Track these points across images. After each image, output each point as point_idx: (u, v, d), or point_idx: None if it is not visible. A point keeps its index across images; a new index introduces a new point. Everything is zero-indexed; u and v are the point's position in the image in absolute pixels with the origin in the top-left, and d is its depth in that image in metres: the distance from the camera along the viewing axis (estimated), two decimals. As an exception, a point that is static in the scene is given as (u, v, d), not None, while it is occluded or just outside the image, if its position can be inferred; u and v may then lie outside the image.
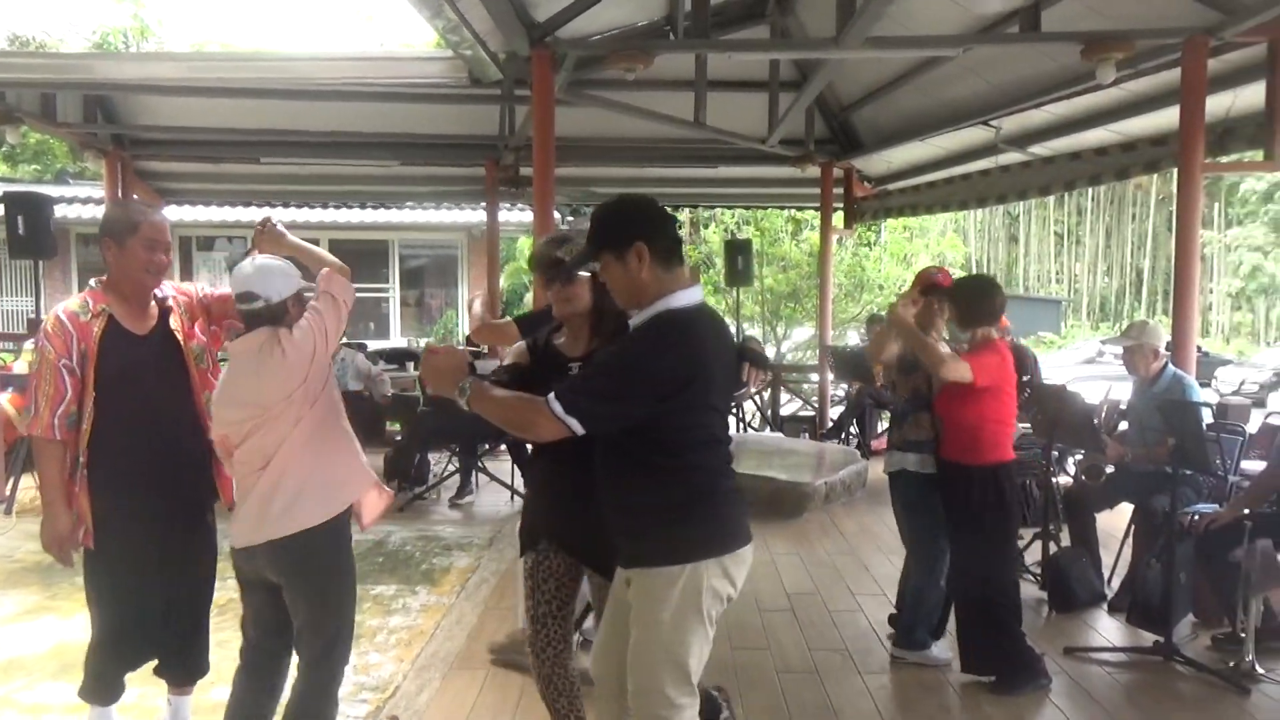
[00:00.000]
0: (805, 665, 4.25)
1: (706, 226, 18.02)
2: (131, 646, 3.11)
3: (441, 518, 7.01)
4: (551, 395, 2.28)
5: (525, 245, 18.17)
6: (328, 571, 2.87)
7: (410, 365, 10.78)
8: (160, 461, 2.99)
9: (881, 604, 5.07)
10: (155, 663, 3.25)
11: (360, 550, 6.02)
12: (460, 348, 2.55)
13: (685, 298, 2.39)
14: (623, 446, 2.41)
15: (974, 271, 30.46)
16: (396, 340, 15.90)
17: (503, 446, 7.96)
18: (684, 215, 18.11)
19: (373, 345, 11.98)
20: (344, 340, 8.43)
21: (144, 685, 3.40)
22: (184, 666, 3.26)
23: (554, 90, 6.22)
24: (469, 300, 3.87)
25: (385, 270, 16.38)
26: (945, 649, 4.26)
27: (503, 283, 18.39)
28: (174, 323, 3.11)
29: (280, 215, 14.12)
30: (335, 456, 2.97)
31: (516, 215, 14.38)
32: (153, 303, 3.08)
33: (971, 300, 4.07)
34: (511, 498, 7.47)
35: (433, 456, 8.05)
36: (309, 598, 2.85)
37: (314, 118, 8.84)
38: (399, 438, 7.95)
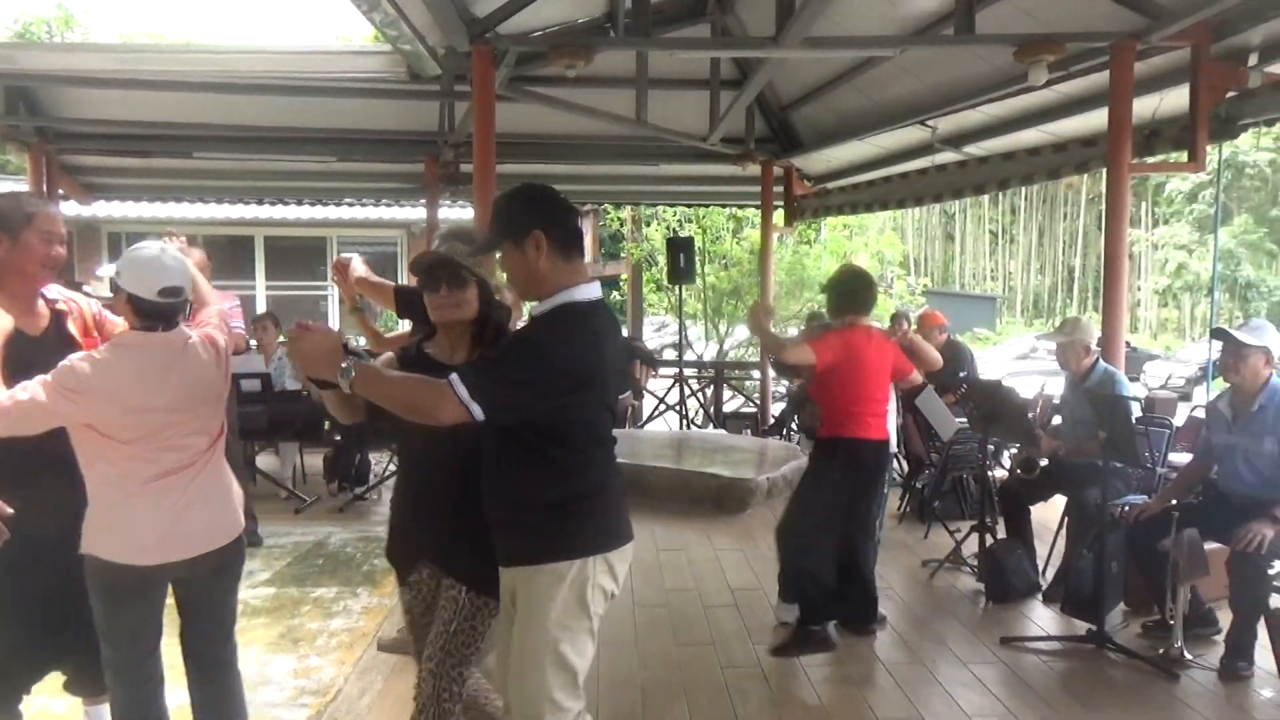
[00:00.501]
0: (749, 660, 4.28)
1: (649, 224, 18.02)
2: (22, 659, 2.94)
3: (383, 518, 6.86)
4: (454, 376, 2.18)
5: (466, 243, 17.94)
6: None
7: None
8: (50, 465, 2.72)
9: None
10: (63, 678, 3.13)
11: (300, 552, 5.94)
12: (335, 331, 2.36)
13: (586, 292, 2.37)
14: (520, 438, 2.34)
15: (910, 269, 30.98)
16: (335, 340, 15.61)
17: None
18: (626, 213, 18.10)
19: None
20: (281, 339, 8.28)
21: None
22: (90, 677, 3.02)
23: (494, 86, 6.16)
24: (343, 259, 3.72)
25: (323, 268, 16.10)
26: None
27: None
28: (72, 327, 2.95)
29: (213, 212, 13.80)
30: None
31: (457, 212, 14.23)
32: (40, 301, 2.91)
33: (843, 293, 4.44)
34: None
35: (374, 456, 7.95)
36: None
37: (248, 112, 8.65)
38: (339, 438, 7.83)
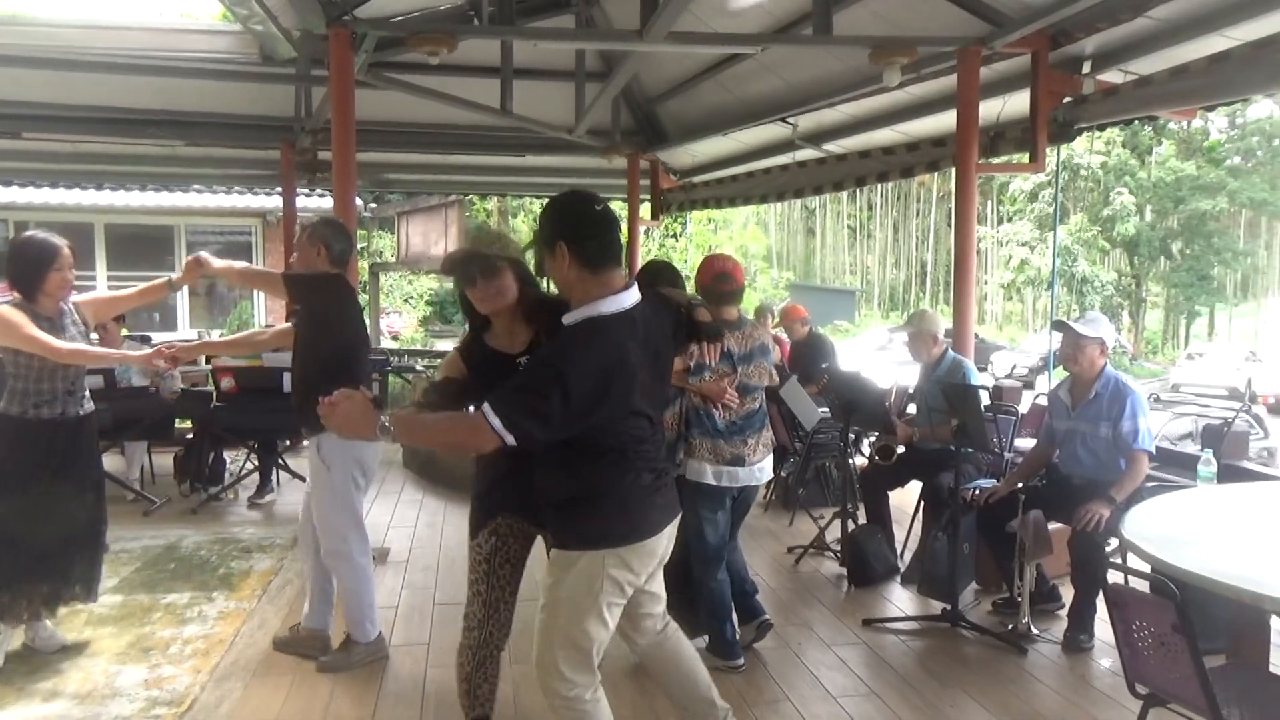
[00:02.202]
0: (621, 653, 4.27)
1: (515, 216, 17.87)
2: None
3: (239, 519, 6.62)
4: (486, 408, 2.28)
5: (325, 233, 17.42)
6: None
7: (201, 360, 10.12)
8: None
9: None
10: None
11: (149, 557, 5.63)
12: (357, 392, 2.41)
13: (613, 304, 2.43)
14: (555, 446, 2.47)
15: (773, 263, 31.72)
16: (185, 332, 14.91)
17: (306, 443, 7.60)
18: (492, 204, 17.89)
19: (159, 338, 11.15)
20: (125, 332, 7.82)
21: None
22: None
23: (353, 71, 5.97)
24: (200, 258, 3.95)
25: (171, 257, 15.30)
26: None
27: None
28: None
29: (46, 197, 12.96)
30: None
31: (315, 201, 13.77)
32: None
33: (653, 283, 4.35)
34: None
35: (229, 454, 7.60)
36: None
37: (85, 91, 8.11)
38: (190, 436, 7.46)
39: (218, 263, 4.02)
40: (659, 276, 4.41)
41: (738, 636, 4.15)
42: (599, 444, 2.48)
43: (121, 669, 4.03)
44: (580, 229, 2.44)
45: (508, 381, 2.40)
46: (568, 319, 2.48)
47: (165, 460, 7.73)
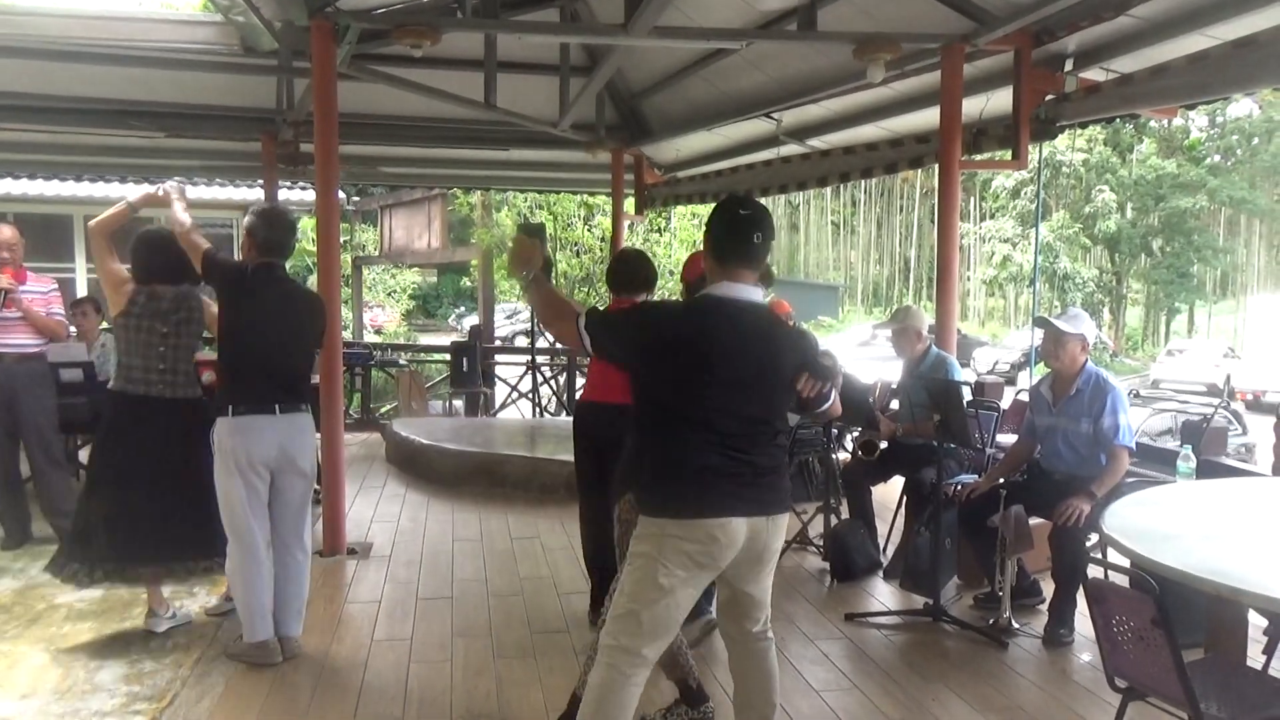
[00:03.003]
0: (602, 647, 4.28)
1: (499, 210, 17.82)
2: None
3: (218, 515, 6.58)
4: (584, 311, 2.73)
5: (307, 225, 17.34)
6: None
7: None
8: None
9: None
10: None
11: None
12: (541, 246, 2.98)
13: (725, 290, 2.70)
14: (639, 406, 2.77)
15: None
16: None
17: None
18: (476, 198, 17.84)
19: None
20: (103, 325, 7.74)
21: None
22: None
23: (335, 64, 5.91)
24: (163, 187, 4.07)
25: (150, 251, 15.18)
26: None
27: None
28: None
29: (25, 188, 12.78)
30: None
31: (298, 194, 13.66)
32: None
33: (623, 272, 4.45)
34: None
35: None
36: None
37: (63, 81, 8.01)
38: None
39: (179, 209, 4.25)
40: (635, 270, 4.48)
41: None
42: (671, 412, 2.67)
43: (103, 664, 4.01)
44: (718, 229, 2.76)
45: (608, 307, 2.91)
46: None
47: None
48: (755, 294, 2.76)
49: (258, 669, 3.94)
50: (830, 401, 2.90)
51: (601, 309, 2.89)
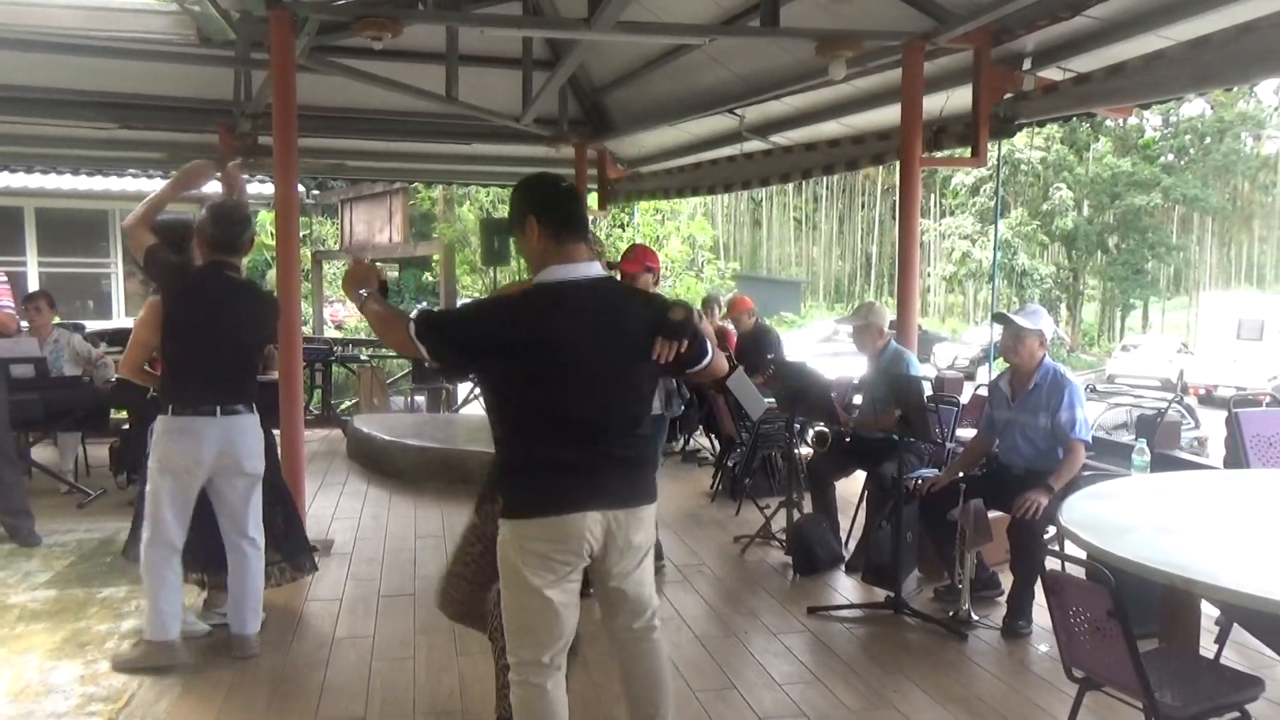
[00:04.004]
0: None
1: (461, 205, 17.70)
2: None
3: (175, 513, 6.48)
4: (413, 316, 2.55)
5: (266, 219, 17.13)
6: None
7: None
8: None
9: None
10: None
11: (85, 551, 5.50)
12: (374, 268, 2.84)
13: (567, 272, 2.55)
14: (487, 404, 2.70)
15: (720, 254, 31.83)
16: (120, 320, 14.51)
17: None
18: (437, 192, 17.71)
19: (92, 326, 10.86)
20: (57, 321, 7.60)
21: None
22: None
23: (294, 55, 5.83)
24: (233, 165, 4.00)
25: (105, 244, 14.88)
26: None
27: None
28: None
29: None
30: None
31: (256, 187, 13.46)
32: None
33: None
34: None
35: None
36: None
37: (11, 70, 7.80)
38: (125, 426, 7.27)
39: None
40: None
41: None
42: (521, 408, 2.57)
43: (56, 665, 3.94)
44: (547, 202, 2.60)
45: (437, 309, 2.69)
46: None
47: (100, 451, 7.55)
48: (595, 269, 2.61)
49: (215, 670, 3.89)
50: (709, 356, 2.72)
51: (436, 312, 2.72)
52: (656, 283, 5.04)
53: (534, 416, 2.56)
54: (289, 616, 4.54)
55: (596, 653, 4.16)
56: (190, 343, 3.81)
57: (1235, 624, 3.73)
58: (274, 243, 5.95)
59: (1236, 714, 2.70)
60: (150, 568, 3.83)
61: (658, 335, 2.60)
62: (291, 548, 4.49)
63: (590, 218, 11.93)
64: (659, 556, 4.99)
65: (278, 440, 4.74)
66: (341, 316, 27.82)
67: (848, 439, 5.53)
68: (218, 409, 3.82)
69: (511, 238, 2.76)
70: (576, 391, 2.53)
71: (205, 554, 4.12)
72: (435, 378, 10.93)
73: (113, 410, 7.50)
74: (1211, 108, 39.55)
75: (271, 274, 15.79)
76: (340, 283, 2.87)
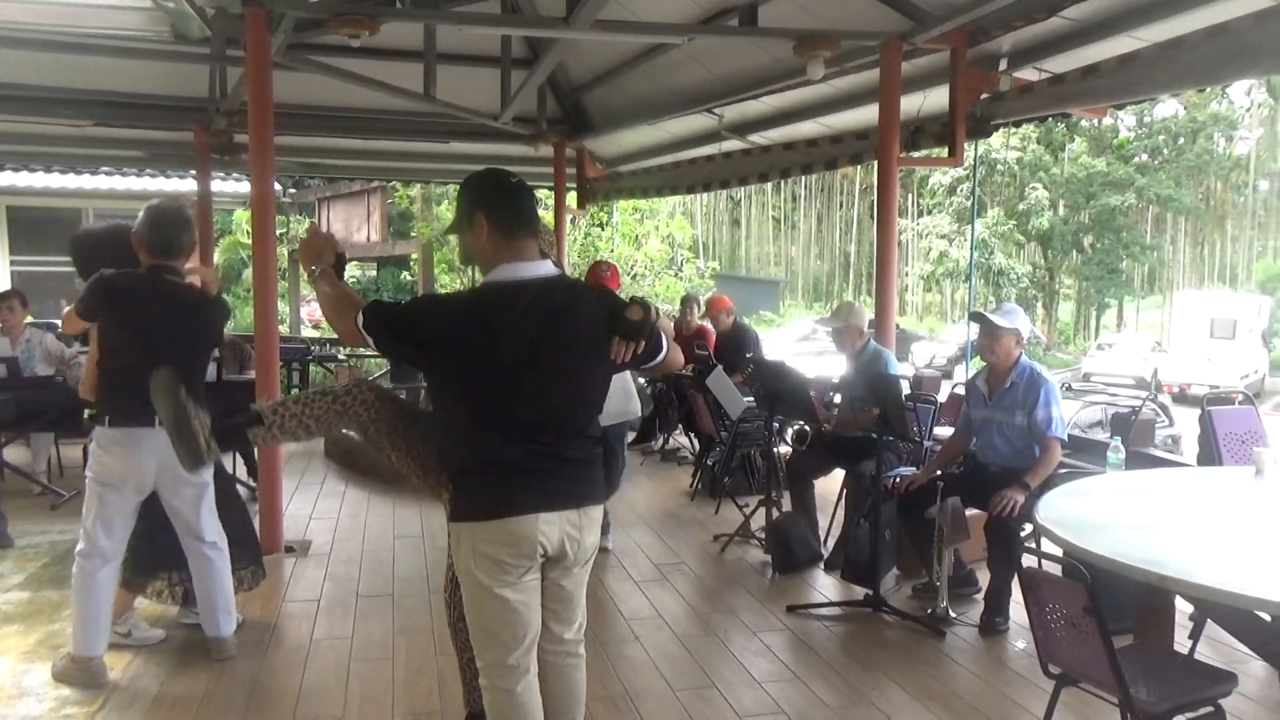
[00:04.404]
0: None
1: (440, 204, 17.63)
2: None
3: (150, 515, 6.43)
4: (365, 306, 2.49)
5: (242, 218, 17.00)
6: None
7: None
8: None
9: (619, 575, 5.22)
10: None
11: (58, 552, 5.44)
12: (334, 240, 2.75)
13: (517, 271, 2.49)
14: (434, 406, 2.65)
15: (699, 253, 31.87)
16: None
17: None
18: (416, 191, 17.63)
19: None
20: (30, 320, 7.51)
21: None
22: None
23: (270, 53, 5.79)
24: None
25: (78, 243, 14.72)
26: None
27: (217, 258, 17.12)
28: None
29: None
30: None
31: (232, 185, 13.38)
32: None
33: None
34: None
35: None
36: None
37: (-16, 67, 7.75)
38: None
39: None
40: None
41: None
42: (468, 408, 2.49)
43: (30, 668, 3.90)
44: (496, 199, 2.53)
45: (390, 302, 2.66)
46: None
47: (74, 452, 7.46)
48: (546, 268, 2.54)
49: (191, 672, 3.85)
50: (664, 351, 2.65)
51: (387, 303, 2.62)
52: None
53: (482, 417, 2.48)
54: (266, 619, 4.51)
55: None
56: (127, 352, 3.64)
57: (1209, 620, 3.77)
58: (250, 241, 5.90)
59: (1210, 708, 2.73)
60: (81, 579, 3.73)
61: (614, 335, 2.55)
62: (254, 552, 4.40)
63: (570, 217, 11.90)
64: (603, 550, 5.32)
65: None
66: (319, 316, 27.65)
67: (825, 435, 5.55)
68: (157, 420, 3.69)
69: (457, 236, 2.63)
70: (525, 393, 2.47)
71: (173, 554, 4.05)
72: (414, 376, 10.87)
73: (86, 410, 7.41)
74: (1185, 108, 39.93)
75: (248, 273, 15.69)
76: (299, 252, 2.72)
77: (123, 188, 14.19)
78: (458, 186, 2.70)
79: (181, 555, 4.02)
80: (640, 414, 6.16)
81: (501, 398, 2.46)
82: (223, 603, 4.00)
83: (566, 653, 2.70)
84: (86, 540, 3.74)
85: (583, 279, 5.01)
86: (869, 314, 5.78)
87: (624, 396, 5.12)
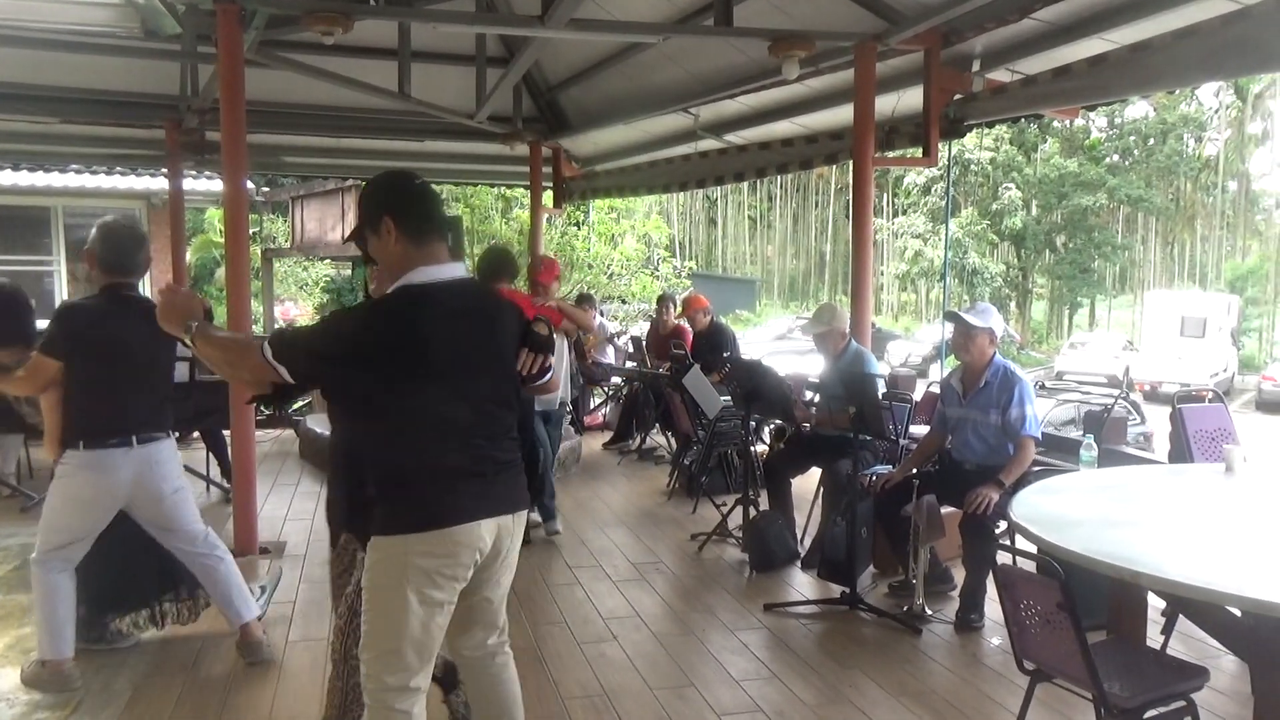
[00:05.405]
0: (527, 642, 4.25)
1: (415, 202, 17.53)
2: None
3: (121, 517, 6.35)
4: (265, 340, 2.35)
5: (214, 216, 16.83)
6: None
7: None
8: None
9: (597, 575, 5.21)
10: None
11: (29, 556, 5.31)
12: (193, 293, 2.61)
13: (429, 274, 2.41)
14: (356, 419, 2.53)
15: (675, 252, 31.89)
16: (63, 321, 14.15)
17: (195, 434, 7.35)
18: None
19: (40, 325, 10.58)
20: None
21: None
22: None
23: (242, 49, 5.73)
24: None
25: (48, 240, 14.50)
26: None
27: (189, 257, 16.93)
28: None
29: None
30: None
31: (204, 184, 13.25)
32: None
33: (490, 264, 5.14)
34: (207, 488, 6.93)
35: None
36: None
37: (-50, 63, 7.62)
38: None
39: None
40: (500, 268, 4.93)
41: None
42: (400, 416, 2.40)
43: (0, 672, 3.84)
44: (404, 202, 2.46)
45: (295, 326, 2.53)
46: (388, 290, 2.45)
47: (44, 454, 7.35)
48: (460, 270, 2.50)
49: (165, 675, 3.81)
50: (550, 373, 2.69)
51: (290, 329, 2.49)
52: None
53: (414, 424, 2.40)
54: (240, 620, 4.46)
55: (552, 650, 4.16)
56: (98, 374, 3.57)
57: (1181, 615, 3.81)
58: (223, 240, 5.83)
59: (1182, 703, 2.76)
60: (41, 585, 3.67)
61: (524, 347, 2.59)
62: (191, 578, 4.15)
63: (546, 216, 11.82)
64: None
65: (228, 441, 4.63)
66: (293, 316, 27.44)
67: (804, 434, 5.57)
68: (134, 439, 3.63)
69: (358, 241, 2.52)
70: (455, 396, 2.42)
71: (173, 576, 4.04)
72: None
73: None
74: (1154, 110, 40.39)
75: (220, 272, 15.53)
76: (159, 316, 2.55)
77: (92, 185, 14.02)
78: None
79: (177, 573, 4.00)
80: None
81: (437, 401, 2.40)
82: (236, 592, 3.96)
83: (495, 653, 2.70)
84: (50, 545, 3.68)
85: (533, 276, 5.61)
86: (848, 315, 5.81)
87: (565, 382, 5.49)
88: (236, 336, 2.54)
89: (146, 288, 14.53)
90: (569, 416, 6.39)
